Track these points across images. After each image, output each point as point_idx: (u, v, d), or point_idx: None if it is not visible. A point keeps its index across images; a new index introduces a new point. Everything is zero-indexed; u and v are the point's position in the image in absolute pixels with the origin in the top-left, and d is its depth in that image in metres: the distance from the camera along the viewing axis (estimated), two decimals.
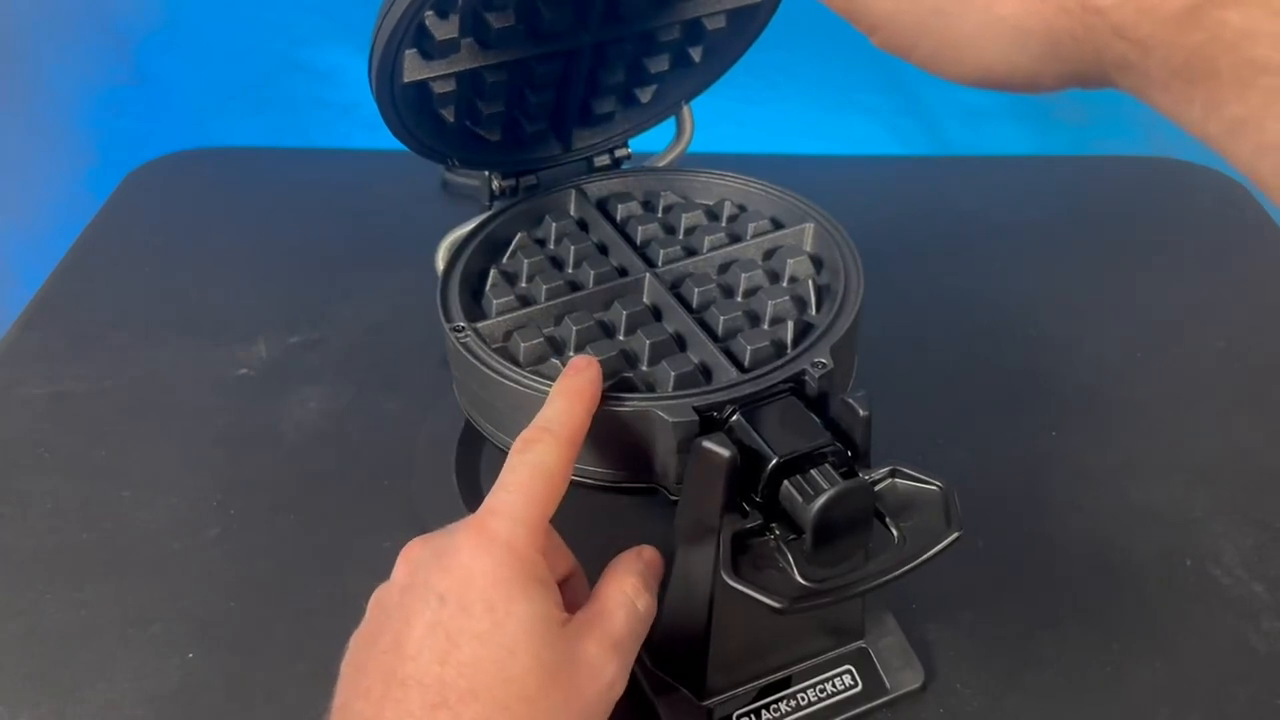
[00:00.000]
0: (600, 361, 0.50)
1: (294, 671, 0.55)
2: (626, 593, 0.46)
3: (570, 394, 0.47)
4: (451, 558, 0.42)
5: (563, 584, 0.47)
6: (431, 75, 0.55)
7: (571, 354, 0.52)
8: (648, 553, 0.49)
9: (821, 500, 0.41)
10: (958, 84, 0.36)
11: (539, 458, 0.44)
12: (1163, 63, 0.31)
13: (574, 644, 0.43)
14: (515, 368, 0.50)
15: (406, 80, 0.54)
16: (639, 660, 0.47)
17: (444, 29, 0.54)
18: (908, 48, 0.36)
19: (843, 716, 0.52)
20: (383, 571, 0.45)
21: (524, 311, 0.54)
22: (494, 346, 0.52)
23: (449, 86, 0.56)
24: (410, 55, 0.54)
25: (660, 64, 0.63)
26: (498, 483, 0.44)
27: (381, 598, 0.44)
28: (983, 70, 0.35)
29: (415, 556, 0.44)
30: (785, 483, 0.43)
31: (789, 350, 0.51)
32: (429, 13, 0.52)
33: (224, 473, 0.66)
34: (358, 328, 0.78)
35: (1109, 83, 0.34)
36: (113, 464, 0.67)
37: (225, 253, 0.86)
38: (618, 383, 0.50)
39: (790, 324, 0.53)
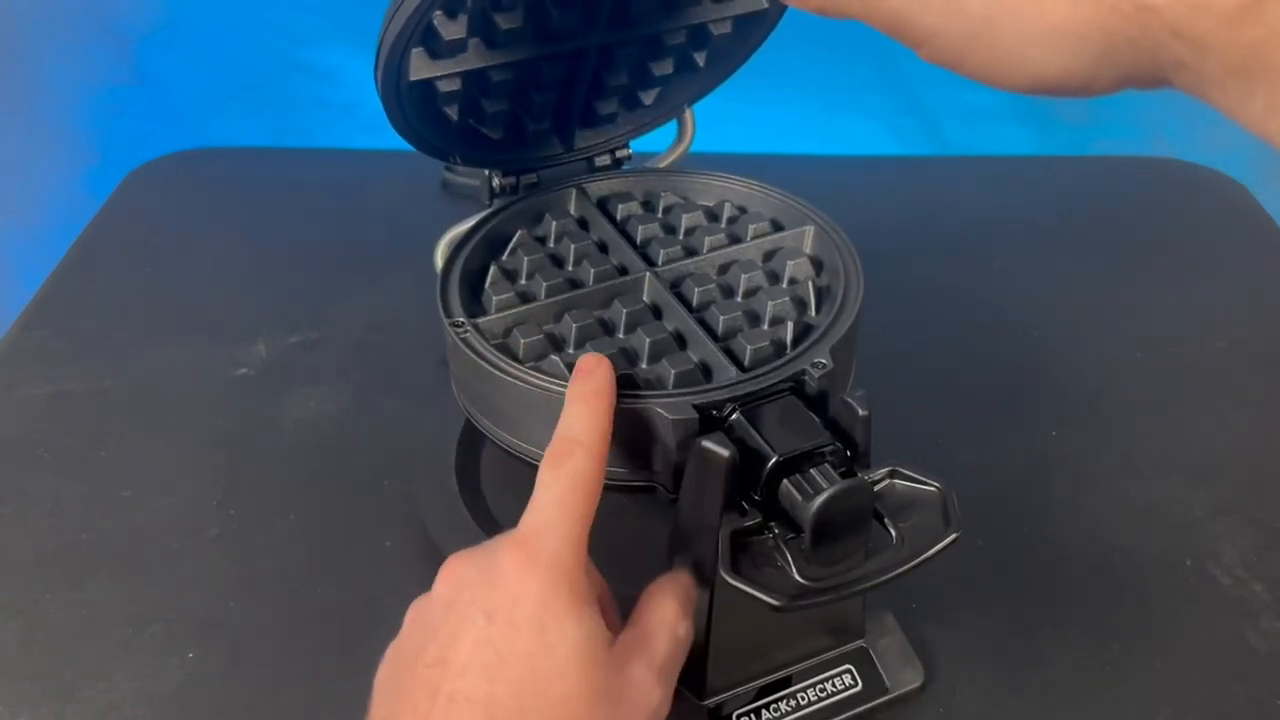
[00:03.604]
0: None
1: (294, 671, 0.55)
2: (668, 618, 0.45)
3: (588, 398, 0.46)
4: (497, 575, 0.41)
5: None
6: (437, 74, 0.55)
7: (571, 350, 0.52)
8: (684, 578, 0.48)
9: (821, 499, 0.41)
10: (1012, 92, 0.35)
11: (574, 470, 0.43)
12: (1219, 61, 0.30)
13: (621, 666, 0.43)
14: (515, 364, 0.50)
15: (412, 79, 0.54)
16: None
17: (452, 29, 0.53)
18: (957, 60, 0.35)
19: (843, 716, 0.52)
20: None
21: (524, 308, 0.54)
22: (494, 342, 0.52)
23: (454, 85, 0.56)
24: (417, 54, 0.54)
25: (664, 67, 0.63)
26: (534, 501, 0.43)
27: (423, 612, 0.43)
28: (1037, 78, 0.34)
29: (458, 573, 0.43)
30: (785, 481, 0.43)
31: (789, 350, 0.51)
32: (438, 12, 0.52)
33: (224, 473, 0.66)
34: (358, 328, 0.78)
35: (1165, 83, 0.33)
36: (113, 464, 0.67)
37: (225, 253, 0.86)
38: (618, 380, 0.50)
39: (790, 325, 0.53)
